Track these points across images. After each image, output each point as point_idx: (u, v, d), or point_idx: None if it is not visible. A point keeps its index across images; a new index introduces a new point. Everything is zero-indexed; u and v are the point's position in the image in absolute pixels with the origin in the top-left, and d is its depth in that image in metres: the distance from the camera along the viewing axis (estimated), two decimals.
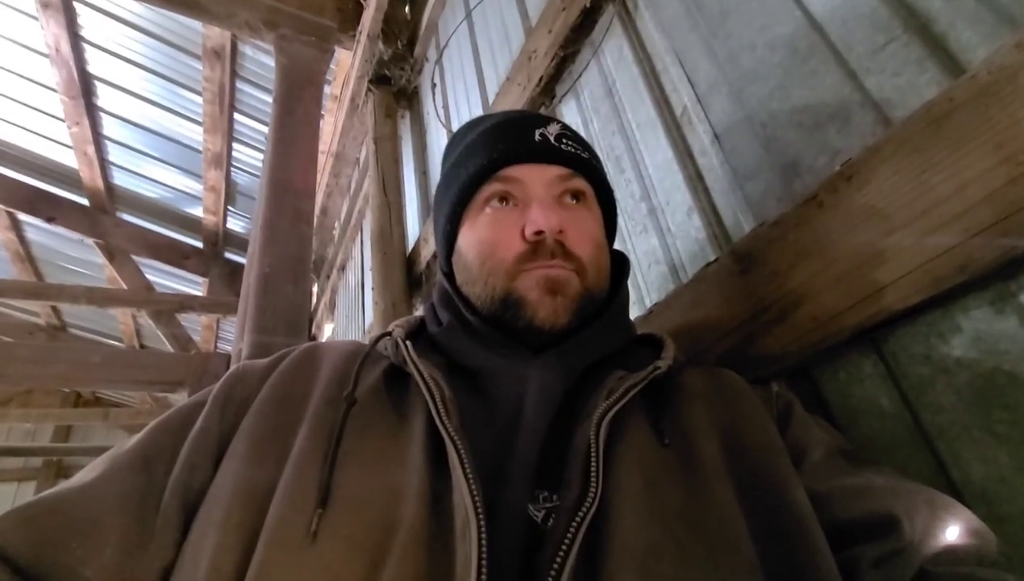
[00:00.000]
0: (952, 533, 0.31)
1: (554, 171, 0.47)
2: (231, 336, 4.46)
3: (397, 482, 0.33)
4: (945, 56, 0.45)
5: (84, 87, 3.16)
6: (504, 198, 0.47)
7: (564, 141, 0.48)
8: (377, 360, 0.45)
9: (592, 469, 0.32)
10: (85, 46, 2.98)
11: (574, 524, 0.30)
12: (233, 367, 0.46)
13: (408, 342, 0.42)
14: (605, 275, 0.48)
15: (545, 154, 0.47)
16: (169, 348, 3.80)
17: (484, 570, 0.27)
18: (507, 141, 0.48)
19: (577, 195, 0.48)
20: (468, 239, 0.48)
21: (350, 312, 2.81)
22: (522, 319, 0.43)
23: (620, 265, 0.53)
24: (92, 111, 3.31)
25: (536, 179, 0.47)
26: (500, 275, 0.44)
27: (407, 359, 0.41)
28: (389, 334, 0.45)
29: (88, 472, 0.37)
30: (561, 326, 0.43)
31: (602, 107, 0.92)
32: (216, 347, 5.28)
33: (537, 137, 0.48)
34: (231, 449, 0.38)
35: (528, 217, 0.44)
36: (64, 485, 0.36)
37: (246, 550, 0.31)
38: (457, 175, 0.50)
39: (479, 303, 0.46)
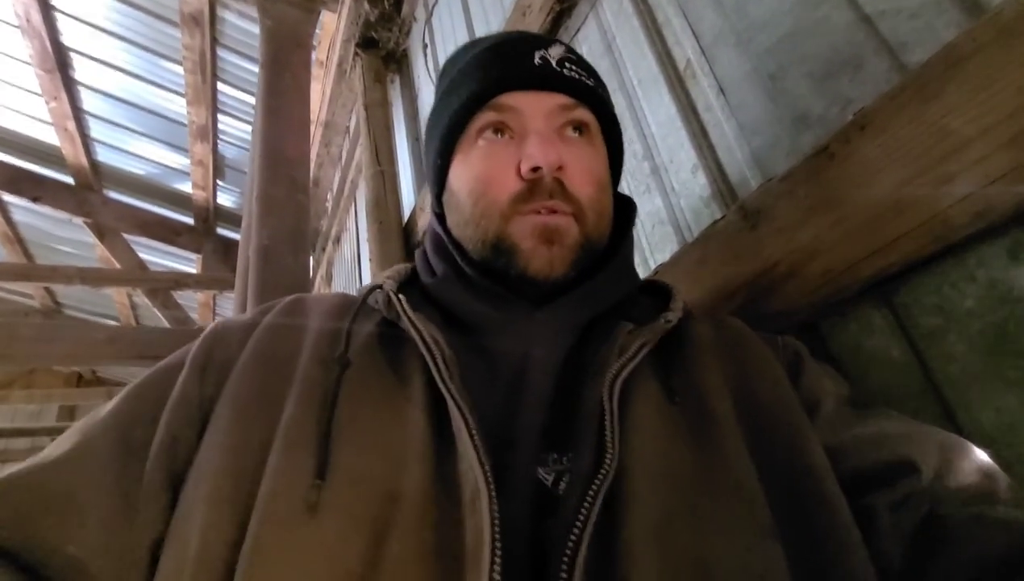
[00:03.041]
0: (963, 473, 0.32)
1: (555, 99, 0.43)
2: (229, 313, 4.45)
3: (398, 449, 0.31)
4: None
5: (59, 59, 3.04)
6: (499, 129, 0.43)
7: (567, 65, 0.44)
8: (368, 314, 0.42)
9: (607, 433, 0.31)
10: (57, 15, 2.85)
11: (591, 492, 0.28)
12: (210, 326, 0.42)
13: (401, 296, 0.39)
14: (607, 220, 0.45)
15: (545, 80, 0.43)
16: (167, 326, 3.79)
17: (498, 545, 0.26)
18: (503, 66, 0.43)
19: (580, 127, 0.44)
20: (459, 175, 0.44)
21: (347, 284, 2.80)
22: (514, 268, 0.40)
23: (625, 210, 0.50)
24: (70, 85, 3.20)
25: (535, 108, 0.42)
26: (494, 217, 0.41)
27: (402, 314, 0.38)
28: (380, 286, 0.42)
29: (59, 445, 0.34)
30: (556, 277, 0.40)
31: (601, 63, 0.89)
32: None
33: (537, 60, 0.43)
34: (215, 416, 0.35)
35: (524, 151, 0.40)
36: (34, 460, 0.33)
37: (239, 527, 0.29)
38: (448, 103, 0.46)
39: (471, 247, 0.43)
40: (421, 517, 0.28)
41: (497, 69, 0.43)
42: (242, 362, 0.38)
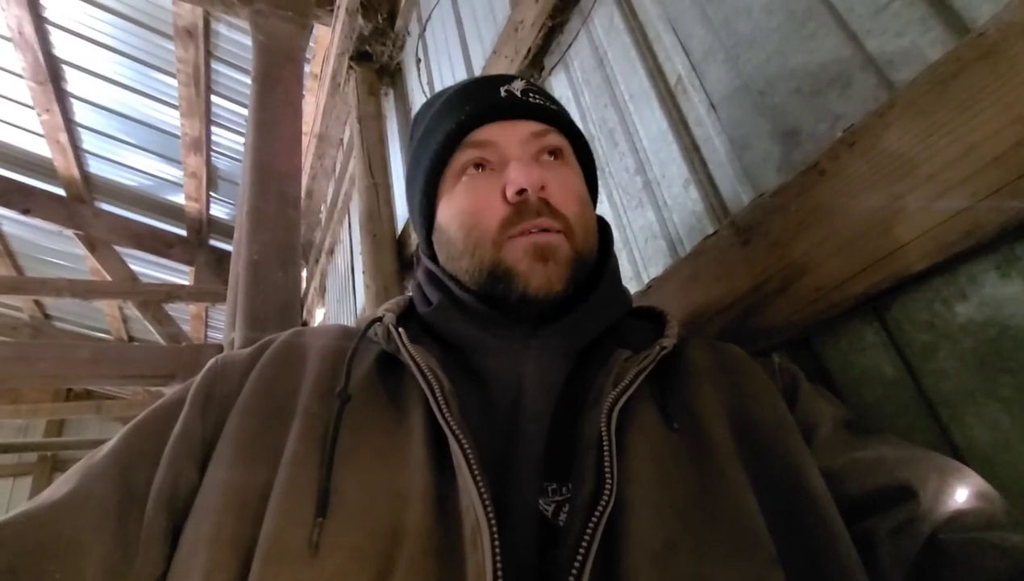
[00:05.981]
0: (960, 499, 0.31)
1: (527, 127, 0.45)
2: (222, 325, 4.42)
3: (399, 484, 0.31)
4: (950, 14, 0.44)
5: (52, 72, 3.04)
6: (479, 164, 0.44)
7: (531, 95, 0.46)
8: (367, 347, 0.42)
9: (606, 463, 0.31)
10: (50, 28, 2.86)
11: (591, 523, 0.28)
12: (211, 362, 0.42)
13: (400, 329, 0.39)
14: (593, 236, 0.46)
15: (514, 110, 0.45)
16: (158, 339, 3.75)
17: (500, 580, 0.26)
18: (472, 102, 0.46)
19: (555, 152, 0.46)
20: (448, 212, 0.45)
21: (340, 296, 2.78)
22: (515, 292, 0.41)
23: (603, 231, 0.50)
24: (62, 97, 3.20)
25: (510, 138, 0.44)
26: (486, 245, 0.42)
27: (401, 348, 0.38)
28: (380, 319, 0.42)
29: (60, 486, 0.34)
30: (556, 294, 0.41)
31: (593, 79, 0.90)
32: (206, 336, 5.23)
33: (503, 93, 0.46)
34: (217, 453, 0.35)
35: (507, 177, 0.42)
36: (34, 503, 0.33)
37: (242, 566, 0.29)
38: (427, 146, 0.47)
39: (468, 278, 0.43)
40: (424, 553, 0.28)
41: (468, 106, 0.46)
42: (243, 398, 0.38)
